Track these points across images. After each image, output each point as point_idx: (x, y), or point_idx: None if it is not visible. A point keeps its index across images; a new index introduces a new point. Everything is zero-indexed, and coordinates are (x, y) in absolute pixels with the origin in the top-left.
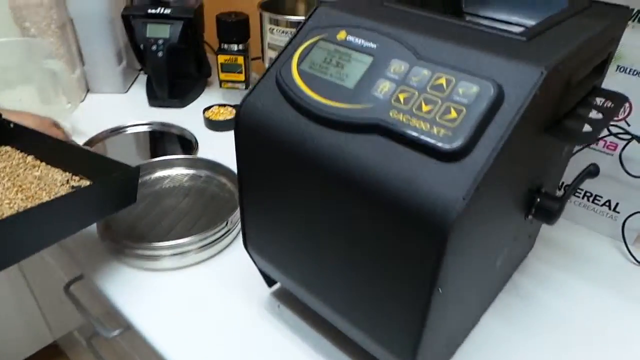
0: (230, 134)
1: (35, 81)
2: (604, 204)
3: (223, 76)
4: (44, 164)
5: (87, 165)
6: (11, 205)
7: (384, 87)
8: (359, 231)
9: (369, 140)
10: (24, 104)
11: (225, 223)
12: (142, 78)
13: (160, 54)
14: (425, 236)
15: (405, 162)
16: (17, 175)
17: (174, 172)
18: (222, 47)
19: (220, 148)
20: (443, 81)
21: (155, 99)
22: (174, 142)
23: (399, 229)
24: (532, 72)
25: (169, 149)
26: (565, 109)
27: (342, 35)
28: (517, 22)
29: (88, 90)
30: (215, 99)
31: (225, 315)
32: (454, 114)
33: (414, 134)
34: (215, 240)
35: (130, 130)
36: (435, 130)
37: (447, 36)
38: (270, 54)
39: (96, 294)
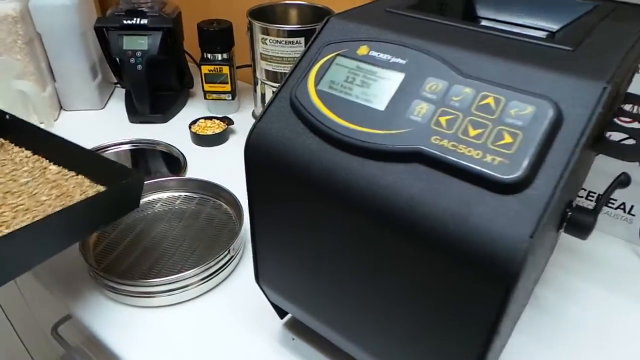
0: (220, 149)
1: (3, 102)
2: (618, 207)
3: (208, 87)
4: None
5: (85, 163)
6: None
7: (421, 109)
8: (397, 271)
9: (409, 170)
10: None
11: (227, 251)
12: (119, 92)
13: (139, 67)
14: (486, 279)
15: (455, 195)
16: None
17: (165, 195)
18: (205, 56)
19: (210, 165)
20: (491, 101)
21: (135, 114)
22: (161, 161)
23: (450, 270)
24: (593, 88)
25: (156, 169)
26: (605, 122)
27: (363, 50)
28: (538, 26)
29: (61, 108)
30: (200, 111)
31: (235, 352)
32: (508, 139)
33: (464, 162)
34: (217, 270)
35: (112, 150)
36: (488, 158)
37: (484, 48)
38: (263, 65)
39: (87, 335)
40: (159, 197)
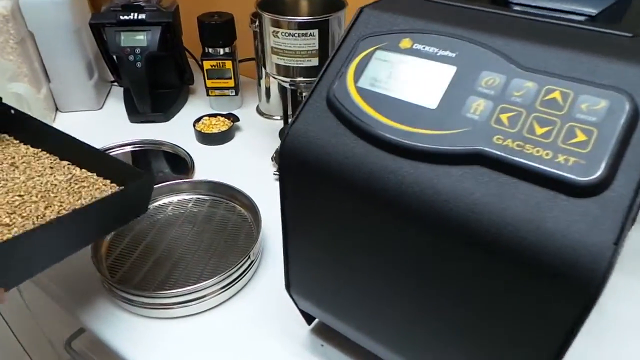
0: (227, 148)
1: None
2: None
3: (210, 83)
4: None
5: (94, 162)
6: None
7: (478, 106)
8: (457, 281)
9: (469, 173)
10: None
11: (247, 257)
12: (116, 90)
13: (138, 64)
14: (564, 291)
15: (524, 200)
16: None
17: (175, 198)
18: (206, 51)
19: (218, 165)
20: (557, 95)
21: (136, 114)
22: (166, 162)
23: (520, 281)
24: None
25: (162, 171)
26: None
27: (406, 43)
28: (575, 10)
29: (57, 110)
30: (202, 108)
31: None
32: (581, 137)
33: (533, 164)
34: (237, 278)
35: (114, 152)
36: (560, 158)
37: (540, 36)
38: (274, 59)
39: (103, 348)
40: (169, 200)
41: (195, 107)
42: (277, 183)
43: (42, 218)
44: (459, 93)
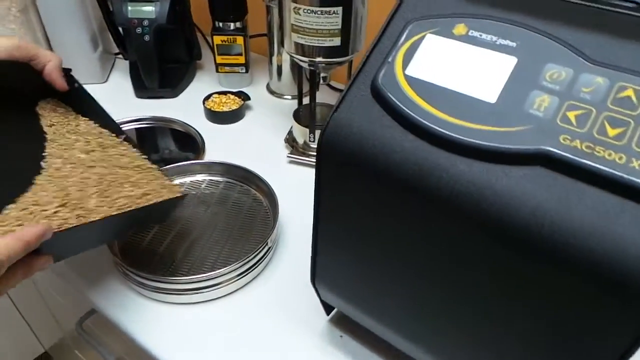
0: (238, 127)
1: None
2: None
3: (220, 59)
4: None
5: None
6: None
7: (542, 102)
8: (510, 289)
9: (532, 175)
10: None
11: (264, 244)
12: (121, 63)
13: (146, 37)
14: (635, 302)
15: (592, 206)
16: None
17: (188, 179)
18: (216, 26)
19: (229, 144)
20: (631, 93)
21: (143, 89)
22: (176, 141)
23: (585, 291)
24: None
25: (172, 149)
26: None
27: (461, 29)
28: None
29: None
30: (211, 85)
31: (279, 351)
32: None
33: (604, 168)
34: (253, 265)
35: (123, 128)
36: (635, 163)
37: (610, 27)
38: (295, 38)
39: (113, 330)
40: (182, 181)
41: (203, 83)
42: (292, 166)
43: (115, 207)
44: (521, 87)
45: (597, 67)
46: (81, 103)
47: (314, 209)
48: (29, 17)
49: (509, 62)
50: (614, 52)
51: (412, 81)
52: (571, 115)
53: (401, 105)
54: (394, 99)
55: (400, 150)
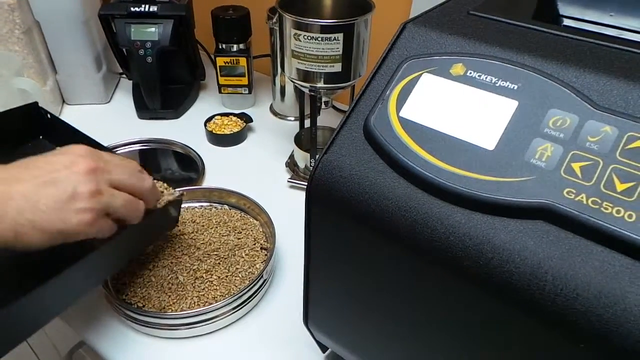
0: (239, 150)
1: (2, 100)
2: None
3: (223, 80)
4: None
5: None
6: None
7: (544, 151)
8: (507, 349)
9: (532, 230)
10: None
11: (260, 277)
12: (125, 83)
13: (149, 59)
14: None
15: (600, 267)
16: None
17: (185, 204)
18: (220, 47)
19: (230, 168)
20: None
21: (145, 110)
22: (176, 163)
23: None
24: None
25: (171, 169)
26: None
27: (458, 69)
28: (632, 27)
29: (63, 102)
30: (214, 106)
31: None
32: None
33: (612, 226)
34: (248, 298)
35: (123, 150)
36: None
37: (617, 68)
38: (295, 64)
39: None
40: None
41: (206, 104)
42: (292, 191)
43: None
44: (522, 133)
45: (605, 114)
46: (60, 135)
47: (305, 252)
48: (32, 38)
49: (509, 106)
50: (623, 97)
51: (406, 124)
52: (576, 166)
53: (394, 150)
54: (387, 142)
55: (392, 198)
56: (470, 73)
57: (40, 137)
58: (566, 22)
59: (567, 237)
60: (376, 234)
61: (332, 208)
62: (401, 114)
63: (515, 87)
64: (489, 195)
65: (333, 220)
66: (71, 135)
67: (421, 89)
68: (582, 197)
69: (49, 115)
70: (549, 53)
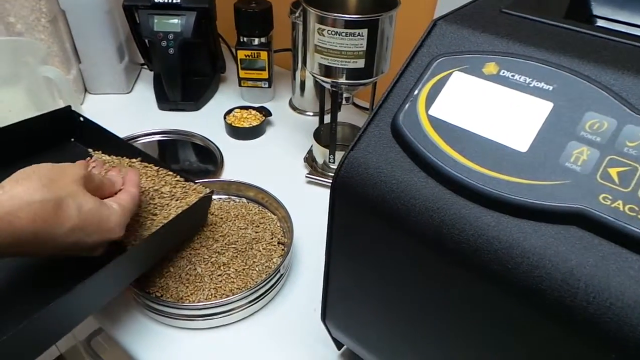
0: (257, 144)
1: (26, 87)
2: None
3: (243, 74)
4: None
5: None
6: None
7: (580, 155)
8: (533, 349)
9: (565, 235)
10: (15, 113)
11: (277, 271)
12: (146, 74)
13: (171, 50)
14: None
15: (635, 277)
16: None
17: None
18: (241, 40)
19: (248, 161)
20: None
21: (165, 101)
22: (195, 155)
23: None
24: None
25: (192, 162)
26: None
27: (491, 68)
28: None
29: (86, 91)
30: (233, 99)
31: None
32: None
33: None
34: (265, 292)
35: (143, 140)
36: None
37: None
38: (318, 59)
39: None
40: None
41: (226, 97)
42: (310, 186)
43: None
44: (557, 136)
45: None
46: (92, 137)
47: (326, 248)
48: (57, 27)
49: (544, 108)
50: None
51: (435, 122)
52: (613, 171)
53: (423, 149)
54: (415, 141)
55: (420, 197)
56: (504, 72)
57: (72, 139)
58: (599, 22)
59: (602, 244)
60: (402, 234)
61: (357, 206)
62: (430, 112)
63: (551, 88)
64: (520, 198)
65: (357, 217)
66: (102, 138)
67: (452, 87)
68: (618, 204)
69: (81, 119)
70: (585, 54)
